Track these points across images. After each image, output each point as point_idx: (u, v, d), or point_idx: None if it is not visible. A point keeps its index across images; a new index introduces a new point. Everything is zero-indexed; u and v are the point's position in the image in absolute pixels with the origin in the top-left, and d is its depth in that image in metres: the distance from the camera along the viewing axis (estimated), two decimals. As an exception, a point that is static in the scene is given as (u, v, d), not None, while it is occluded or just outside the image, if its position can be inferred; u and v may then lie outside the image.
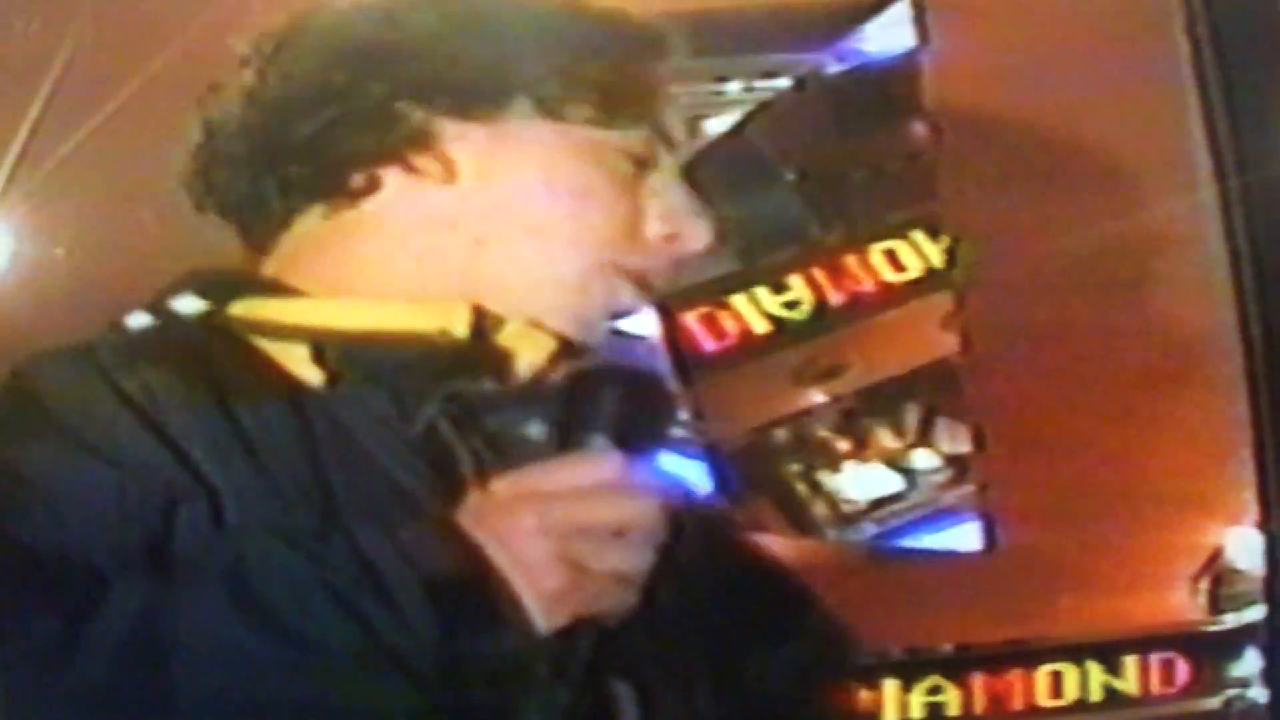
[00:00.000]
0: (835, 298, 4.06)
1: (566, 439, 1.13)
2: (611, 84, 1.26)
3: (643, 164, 1.27)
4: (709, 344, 4.03)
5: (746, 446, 4.34)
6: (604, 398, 1.12)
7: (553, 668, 1.10)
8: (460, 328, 1.22)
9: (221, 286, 1.26)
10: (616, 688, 1.17)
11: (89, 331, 1.29)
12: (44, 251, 3.11)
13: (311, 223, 1.28)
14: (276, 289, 1.26)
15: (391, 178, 1.27)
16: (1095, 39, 3.75)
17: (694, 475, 4.25)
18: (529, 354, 1.23)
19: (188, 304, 1.25)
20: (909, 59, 3.83)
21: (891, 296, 4.07)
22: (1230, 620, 4.94)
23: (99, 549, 1.11)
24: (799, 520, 4.58)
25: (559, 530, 1.08)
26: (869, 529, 4.67)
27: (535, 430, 1.16)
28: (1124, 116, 3.77)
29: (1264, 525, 3.28)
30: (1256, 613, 3.84)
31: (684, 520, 1.16)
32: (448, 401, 1.19)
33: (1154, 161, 3.72)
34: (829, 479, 4.52)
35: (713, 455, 4.24)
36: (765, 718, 1.29)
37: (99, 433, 1.16)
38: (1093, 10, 3.77)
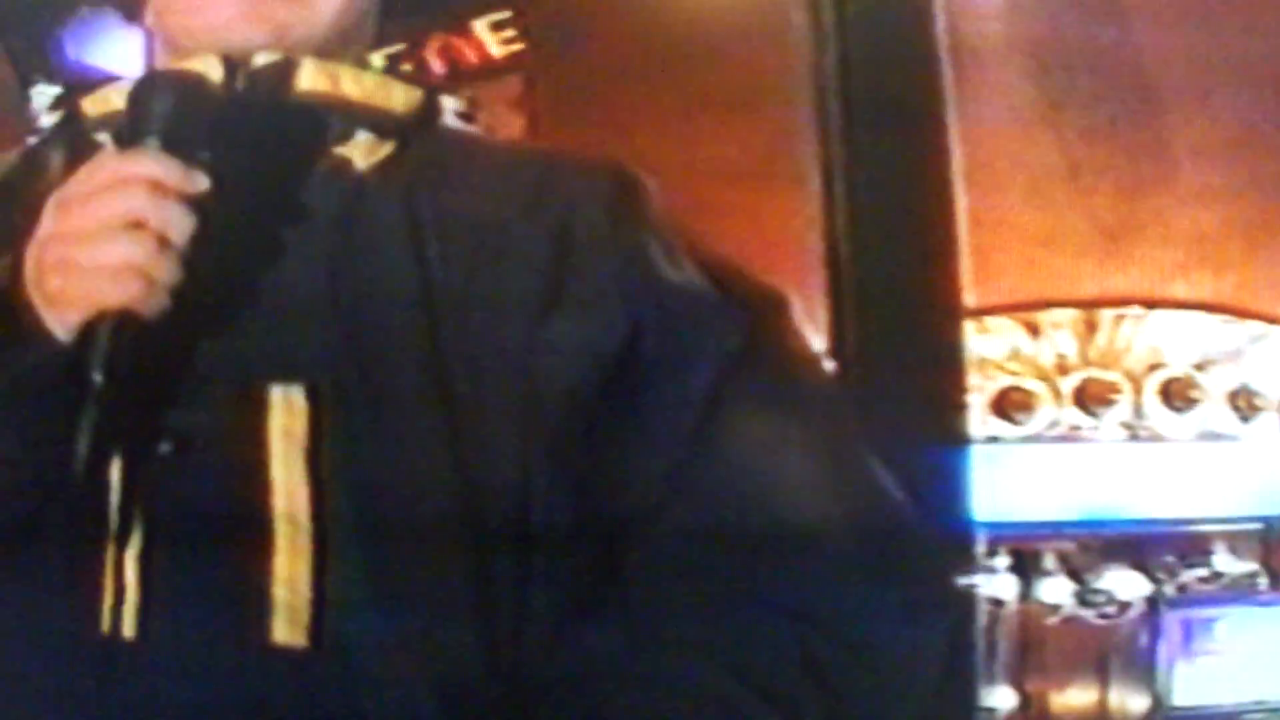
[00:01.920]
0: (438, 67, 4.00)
1: (124, 144, 1.11)
2: None
3: None
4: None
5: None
6: (154, 102, 1.09)
7: (76, 368, 1.04)
8: None
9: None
10: (270, 391, 1.10)
11: None
12: None
13: None
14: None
15: None
16: None
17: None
18: None
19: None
20: None
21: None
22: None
23: None
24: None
25: (61, 232, 1.05)
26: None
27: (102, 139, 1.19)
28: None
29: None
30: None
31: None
32: None
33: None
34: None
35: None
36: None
37: None
38: None
